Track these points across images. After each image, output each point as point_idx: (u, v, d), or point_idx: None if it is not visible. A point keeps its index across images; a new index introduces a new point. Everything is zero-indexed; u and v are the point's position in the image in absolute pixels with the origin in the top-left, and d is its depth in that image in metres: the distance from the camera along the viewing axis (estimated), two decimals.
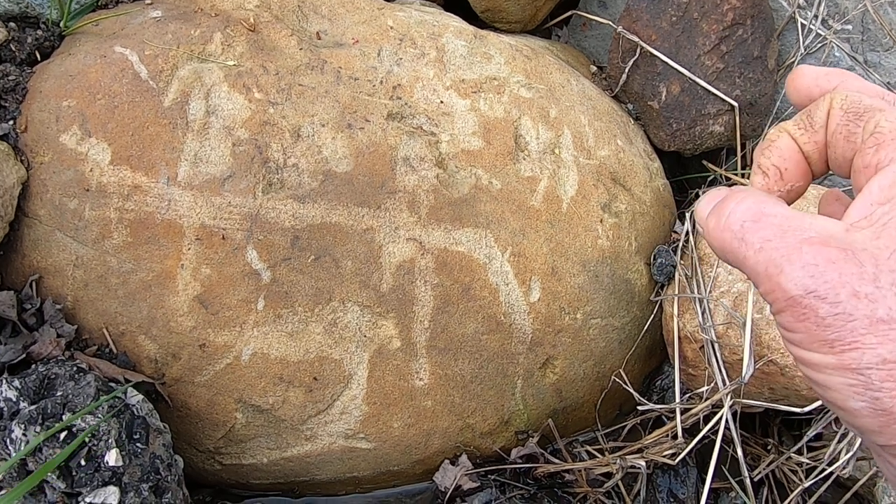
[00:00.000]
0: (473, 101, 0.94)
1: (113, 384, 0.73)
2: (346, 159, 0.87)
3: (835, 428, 0.90)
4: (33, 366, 0.71)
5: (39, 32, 0.88)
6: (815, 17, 1.08)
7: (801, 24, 1.08)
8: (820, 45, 1.08)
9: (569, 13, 1.18)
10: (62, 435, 0.63)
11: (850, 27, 1.09)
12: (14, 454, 0.63)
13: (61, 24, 0.89)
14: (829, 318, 0.30)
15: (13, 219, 0.80)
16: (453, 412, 0.89)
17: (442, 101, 0.93)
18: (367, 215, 0.85)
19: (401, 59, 0.94)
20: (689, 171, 1.20)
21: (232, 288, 0.81)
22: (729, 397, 0.86)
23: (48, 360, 0.74)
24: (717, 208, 0.36)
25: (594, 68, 1.17)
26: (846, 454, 0.87)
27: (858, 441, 0.87)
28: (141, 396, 0.72)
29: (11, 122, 0.83)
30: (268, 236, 0.82)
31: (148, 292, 0.80)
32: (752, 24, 1.04)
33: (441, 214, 0.88)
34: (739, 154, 1.11)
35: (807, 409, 0.84)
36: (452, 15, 1.05)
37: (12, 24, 0.88)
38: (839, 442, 0.89)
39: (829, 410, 0.89)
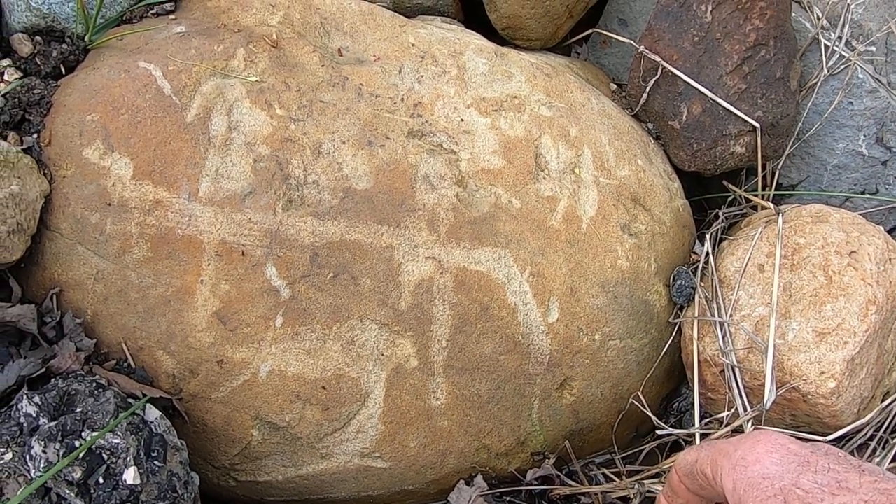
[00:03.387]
0: (494, 120, 0.94)
1: (131, 400, 0.73)
2: (367, 176, 0.86)
3: (857, 456, 0.89)
4: (53, 381, 0.71)
5: (64, 46, 0.89)
6: (839, 38, 1.07)
7: (825, 45, 1.07)
8: (843, 66, 1.07)
9: (589, 31, 1.17)
10: (82, 453, 0.63)
11: (873, 49, 1.08)
12: (33, 470, 0.63)
13: (86, 38, 0.90)
14: None
15: (35, 232, 0.81)
16: (469, 432, 0.88)
17: (462, 119, 0.93)
18: (387, 233, 0.85)
19: (422, 76, 0.94)
20: (708, 191, 1.19)
21: (251, 304, 0.81)
22: (750, 424, 0.84)
23: (67, 374, 0.74)
24: None
25: (614, 86, 1.16)
26: None
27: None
28: (159, 413, 0.72)
29: (35, 136, 0.83)
30: (287, 253, 0.82)
31: (167, 307, 0.80)
32: (775, 44, 1.03)
33: (460, 233, 0.87)
34: (760, 175, 1.10)
35: (829, 437, 0.83)
36: (473, 32, 1.06)
37: (38, 38, 0.89)
38: None
39: (850, 438, 0.88)
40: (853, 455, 0.49)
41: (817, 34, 1.07)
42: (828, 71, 1.07)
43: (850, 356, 0.81)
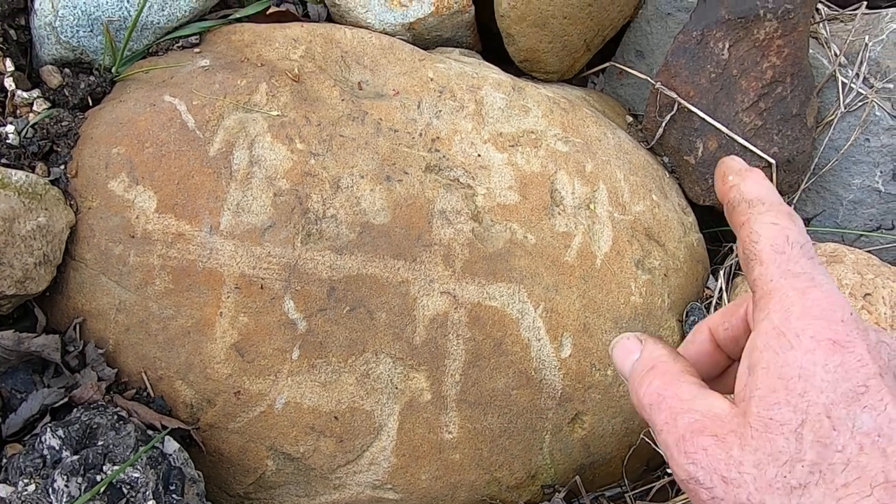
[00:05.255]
0: (510, 155, 0.95)
1: (151, 432, 0.75)
2: (384, 211, 0.88)
3: None
4: (75, 412, 0.72)
5: (92, 78, 0.91)
6: (857, 75, 1.07)
7: (842, 82, 1.07)
8: (860, 103, 1.07)
9: (606, 64, 1.18)
10: (103, 488, 0.64)
11: (891, 86, 1.08)
12: (55, 503, 0.64)
13: (113, 70, 0.92)
14: (707, 500, 0.34)
15: (60, 262, 0.83)
16: (481, 466, 0.89)
17: (479, 155, 0.94)
18: (403, 268, 0.86)
19: (440, 111, 0.96)
20: (722, 223, 1.19)
21: (268, 337, 0.83)
22: None
23: (89, 404, 0.75)
24: (632, 383, 0.40)
25: (630, 118, 1.17)
26: None
27: None
28: (177, 446, 0.74)
29: (63, 167, 0.86)
30: (305, 287, 0.84)
31: (187, 338, 0.82)
32: (792, 81, 1.03)
33: (475, 268, 0.88)
34: None
35: None
36: (491, 66, 1.07)
37: (67, 70, 0.92)
38: None
39: None
40: None
41: (835, 71, 1.08)
42: (845, 108, 1.07)
43: None
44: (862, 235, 1.12)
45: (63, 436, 0.68)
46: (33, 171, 0.84)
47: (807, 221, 1.16)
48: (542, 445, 0.92)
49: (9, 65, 0.89)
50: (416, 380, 0.86)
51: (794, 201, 1.14)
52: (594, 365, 0.92)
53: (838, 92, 1.08)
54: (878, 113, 1.07)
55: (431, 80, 0.98)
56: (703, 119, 1.03)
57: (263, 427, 0.83)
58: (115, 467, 0.66)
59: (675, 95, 1.03)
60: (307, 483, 0.86)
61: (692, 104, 1.02)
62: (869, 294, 0.87)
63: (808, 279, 0.36)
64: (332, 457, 0.85)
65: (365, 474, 0.86)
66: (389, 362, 0.85)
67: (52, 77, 0.91)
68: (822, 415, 0.32)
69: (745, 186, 0.42)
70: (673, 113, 1.04)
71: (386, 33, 1.03)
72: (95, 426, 0.69)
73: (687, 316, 0.98)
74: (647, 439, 0.96)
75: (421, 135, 0.93)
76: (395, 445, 0.86)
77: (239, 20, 1.00)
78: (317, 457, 0.84)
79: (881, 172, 1.10)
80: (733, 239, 1.16)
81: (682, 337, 0.99)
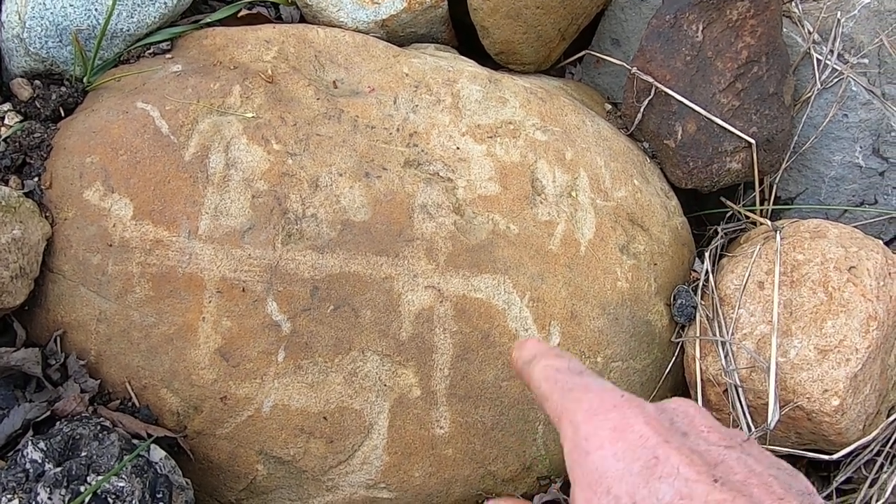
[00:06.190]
0: (489, 147, 0.94)
1: (136, 440, 0.74)
2: (364, 208, 0.87)
3: (865, 472, 0.88)
4: (58, 425, 0.71)
5: (63, 89, 0.90)
6: (831, 52, 1.07)
7: (817, 59, 1.07)
8: (836, 79, 1.07)
9: (582, 53, 1.18)
10: (87, 498, 0.63)
11: (866, 61, 1.08)
12: None
13: (84, 80, 0.91)
14: None
15: (38, 274, 0.82)
16: (474, 460, 0.88)
17: (458, 147, 0.93)
18: (386, 264, 0.86)
19: (417, 105, 0.95)
20: (706, 206, 1.19)
21: (252, 340, 0.82)
22: None
23: (72, 417, 0.74)
24: None
25: (609, 106, 1.17)
26: (877, 500, 0.85)
27: (890, 486, 0.85)
28: (164, 454, 0.73)
29: (36, 179, 0.85)
30: (287, 287, 0.83)
31: (170, 345, 0.81)
32: (767, 60, 1.04)
33: (459, 261, 0.88)
34: (758, 189, 1.10)
35: (835, 456, 0.82)
36: (467, 59, 1.06)
37: (37, 82, 0.91)
38: (870, 487, 0.87)
39: (859, 454, 0.88)
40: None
41: (809, 48, 1.08)
42: (821, 84, 1.08)
43: (852, 373, 0.81)
44: (846, 211, 1.12)
45: (45, 448, 0.66)
46: (7, 185, 0.83)
47: (791, 200, 1.16)
48: (535, 436, 0.91)
49: None
50: (404, 376, 0.85)
51: (777, 181, 1.14)
52: (583, 352, 0.91)
53: (814, 69, 1.08)
54: (854, 88, 1.07)
55: (407, 75, 0.98)
56: (681, 102, 1.02)
57: (252, 431, 0.82)
58: (99, 477, 0.65)
59: (651, 80, 1.03)
60: (299, 486, 0.85)
61: (669, 88, 1.02)
62: (854, 267, 0.87)
63: (582, 389, 0.41)
64: (323, 458, 0.84)
65: (358, 474, 0.85)
66: (377, 360, 0.84)
67: (23, 90, 0.90)
68: (629, 501, 0.34)
69: (521, 353, 0.49)
70: (650, 98, 1.04)
71: (359, 31, 1.02)
72: (78, 437, 0.68)
73: (674, 299, 0.98)
74: None
75: (398, 130, 0.93)
76: (386, 443, 0.85)
77: (210, 24, 0.99)
78: (308, 459, 0.83)
79: (861, 147, 1.10)
80: (717, 221, 1.16)
81: (671, 320, 0.99)
